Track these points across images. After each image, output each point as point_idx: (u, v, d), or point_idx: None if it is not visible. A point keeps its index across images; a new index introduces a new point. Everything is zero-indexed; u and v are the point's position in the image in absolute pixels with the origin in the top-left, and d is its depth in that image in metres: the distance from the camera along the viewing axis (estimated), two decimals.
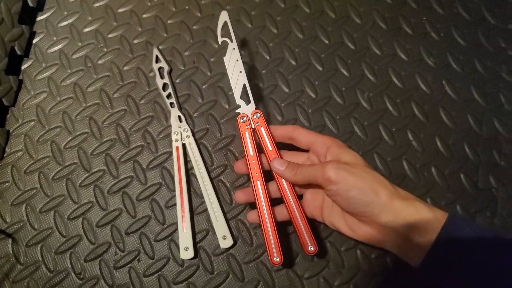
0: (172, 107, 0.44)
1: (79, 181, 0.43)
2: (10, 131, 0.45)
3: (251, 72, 0.46)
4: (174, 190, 0.42)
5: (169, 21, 0.48)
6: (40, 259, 0.41)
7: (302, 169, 0.35)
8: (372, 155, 0.43)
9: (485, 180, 0.42)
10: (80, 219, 0.42)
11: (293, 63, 0.47)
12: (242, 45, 0.47)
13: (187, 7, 0.49)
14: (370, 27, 0.48)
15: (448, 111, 0.45)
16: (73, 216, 0.42)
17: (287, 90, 0.46)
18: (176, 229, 0.41)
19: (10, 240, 0.41)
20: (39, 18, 0.49)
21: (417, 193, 0.39)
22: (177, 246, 0.40)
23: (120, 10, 0.49)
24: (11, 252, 0.41)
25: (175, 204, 0.41)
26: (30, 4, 0.48)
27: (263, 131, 0.38)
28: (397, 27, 0.48)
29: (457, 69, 0.46)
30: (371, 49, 0.47)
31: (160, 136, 0.44)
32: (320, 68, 0.46)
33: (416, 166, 0.43)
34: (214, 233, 0.41)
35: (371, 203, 0.32)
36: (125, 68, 0.47)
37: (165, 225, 0.41)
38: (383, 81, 0.46)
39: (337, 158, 0.35)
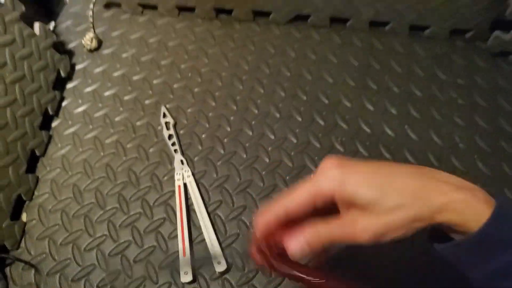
0: (176, 153, 0.52)
1: (95, 218, 0.50)
2: (40, 176, 0.53)
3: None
4: (176, 223, 0.49)
5: (175, 85, 0.59)
6: (58, 286, 0.46)
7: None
8: None
9: None
10: (95, 250, 0.48)
11: (277, 115, 0.56)
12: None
13: (189, 75, 0.60)
14: (341, 84, 0.58)
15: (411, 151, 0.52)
16: (88, 248, 0.48)
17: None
18: (178, 256, 0.47)
19: (33, 270, 0.47)
20: (68, 86, 0.60)
21: None
22: (178, 272, 0.46)
23: (134, 78, 0.60)
24: (33, 281, 0.47)
25: (176, 236, 0.48)
26: (62, 75, 0.59)
27: None
28: (364, 84, 0.57)
29: (417, 115, 0.55)
30: (342, 102, 0.56)
31: (165, 178, 0.52)
32: (300, 119, 0.55)
33: None
34: (211, 259, 0.46)
35: None
36: (138, 123, 0.56)
37: (168, 253, 0.47)
38: (354, 128, 0.54)
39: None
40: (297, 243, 0.31)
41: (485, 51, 0.59)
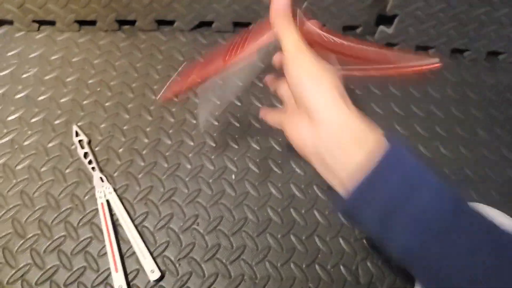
0: (94, 170, 0.52)
1: (16, 248, 0.48)
2: None
3: None
4: (104, 241, 0.49)
5: (84, 102, 0.58)
6: None
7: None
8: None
9: None
10: (19, 282, 0.47)
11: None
12: None
13: (98, 89, 0.59)
14: (251, 86, 0.61)
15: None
16: (11, 280, 0.46)
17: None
18: (110, 273, 0.47)
19: None
20: None
21: None
22: (113, 287, 0.47)
23: (40, 98, 0.57)
24: None
25: (106, 253, 0.48)
26: None
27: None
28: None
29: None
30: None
31: (86, 197, 0.52)
32: (216, 123, 0.58)
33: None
34: (144, 270, 0.48)
35: None
36: (49, 145, 0.54)
37: (100, 272, 0.48)
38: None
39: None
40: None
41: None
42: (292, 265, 0.50)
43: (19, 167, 0.53)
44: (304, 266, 0.50)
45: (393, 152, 0.29)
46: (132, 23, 0.63)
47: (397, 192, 0.28)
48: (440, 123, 0.61)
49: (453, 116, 0.62)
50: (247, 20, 0.64)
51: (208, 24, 0.64)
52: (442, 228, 0.27)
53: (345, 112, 0.31)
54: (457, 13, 0.62)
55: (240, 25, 0.65)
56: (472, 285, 0.26)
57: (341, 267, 0.50)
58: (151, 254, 0.49)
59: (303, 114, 0.33)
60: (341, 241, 0.51)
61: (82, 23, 0.62)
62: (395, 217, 0.28)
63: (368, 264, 0.50)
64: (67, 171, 0.53)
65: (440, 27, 0.64)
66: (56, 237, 0.49)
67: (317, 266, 0.50)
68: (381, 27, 0.66)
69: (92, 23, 0.62)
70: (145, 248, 0.48)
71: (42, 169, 0.53)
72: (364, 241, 0.52)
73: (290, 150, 0.57)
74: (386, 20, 0.65)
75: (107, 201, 0.51)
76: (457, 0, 0.61)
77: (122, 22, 0.63)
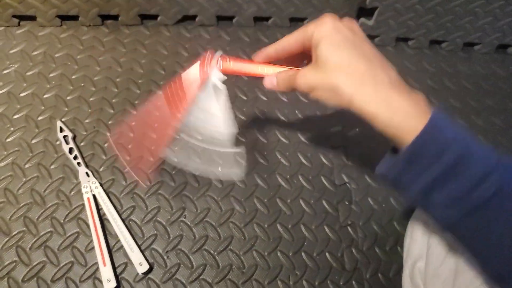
0: (79, 166, 0.52)
1: (0, 246, 0.48)
2: None
3: None
4: (91, 235, 0.49)
5: (68, 97, 0.57)
6: None
7: (280, 76, 0.39)
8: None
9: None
10: (5, 279, 0.46)
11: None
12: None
13: (82, 84, 0.58)
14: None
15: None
16: None
17: None
18: (98, 267, 0.47)
19: None
20: None
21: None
22: (101, 281, 0.47)
23: (22, 95, 0.57)
24: None
25: (93, 247, 0.48)
26: None
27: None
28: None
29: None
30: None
31: (72, 193, 0.51)
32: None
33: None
34: (132, 263, 0.48)
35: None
36: (33, 141, 0.54)
37: (87, 266, 0.48)
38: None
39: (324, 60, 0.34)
40: (269, 80, 0.40)
41: None
42: (279, 254, 0.51)
43: (2, 164, 0.52)
44: (290, 254, 0.51)
45: (442, 111, 0.32)
46: (115, 17, 0.63)
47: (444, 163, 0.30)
48: None
49: (432, 105, 0.64)
50: (230, 14, 0.65)
51: (192, 18, 0.64)
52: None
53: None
54: (434, 5, 0.63)
55: (224, 18, 0.65)
56: None
57: (327, 254, 0.51)
58: (139, 247, 0.49)
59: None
60: (326, 229, 0.53)
61: (64, 18, 0.62)
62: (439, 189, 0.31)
63: (353, 250, 0.52)
64: (52, 167, 0.53)
65: (418, 19, 0.65)
66: (42, 233, 0.49)
67: (303, 254, 0.51)
68: (362, 19, 0.67)
69: (75, 18, 0.62)
70: (133, 241, 0.49)
71: (26, 166, 0.52)
72: (349, 228, 0.53)
73: (274, 142, 0.58)
74: (367, 12, 0.67)
75: (94, 196, 0.51)
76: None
77: (105, 17, 0.63)
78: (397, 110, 0.31)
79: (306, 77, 0.36)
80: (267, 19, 0.67)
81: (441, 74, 0.68)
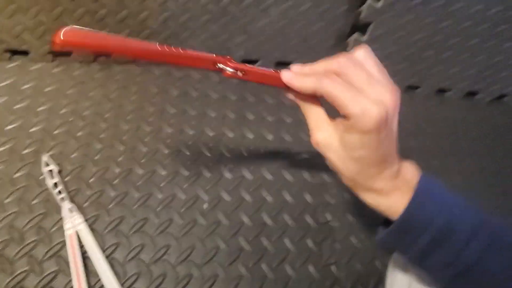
0: (63, 201, 0.51)
1: None
2: None
3: None
4: (70, 275, 0.47)
5: (55, 132, 0.57)
6: None
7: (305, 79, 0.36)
8: None
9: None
10: None
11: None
12: None
13: (71, 119, 0.59)
14: (222, 118, 0.63)
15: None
16: None
17: None
18: None
19: None
20: None
21: None
22: None
23: (7, 128, 0.56)
24: None
25: (72, 287, 0.46)
26: None
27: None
28: (243, 115, 0.64)
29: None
30: (226, 135, 0.61)
31: (54, 229, 0.50)
32: (188, 153, 0.59)
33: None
34: None
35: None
36: (16, 175, 0.53)
37: None
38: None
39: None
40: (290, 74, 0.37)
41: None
42: None
43: None
44: None
45: (427, 181, 0.36)
46: (107, 55, 0.64)
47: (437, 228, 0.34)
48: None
49: (410, 148, 0.67)
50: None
51: None
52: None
53: None
54: (409, 55, 0.68)
55: None
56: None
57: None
58: (121, 286, 0.47)
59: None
60: (310, 268, 0.52)
61: (56, 53, 0.63)
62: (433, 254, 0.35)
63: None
64: (34, 202, 0.51)
65: (394, 67, 0.70)
66: (17, 272, 0.47)
67: None
68: (355, 35, 0.68)
69: (67, 54, 0.63)
70: (115, 281, 0.47)
71: (6, 200, 0.51)
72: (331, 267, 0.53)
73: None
74: (360, 28, 0.67)
75: (76, 233, 0.49)
76: (408, 44, 0.68)
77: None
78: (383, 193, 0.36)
79: (324, 132, 0.37)
80: (254, 61, 0.70)
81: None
